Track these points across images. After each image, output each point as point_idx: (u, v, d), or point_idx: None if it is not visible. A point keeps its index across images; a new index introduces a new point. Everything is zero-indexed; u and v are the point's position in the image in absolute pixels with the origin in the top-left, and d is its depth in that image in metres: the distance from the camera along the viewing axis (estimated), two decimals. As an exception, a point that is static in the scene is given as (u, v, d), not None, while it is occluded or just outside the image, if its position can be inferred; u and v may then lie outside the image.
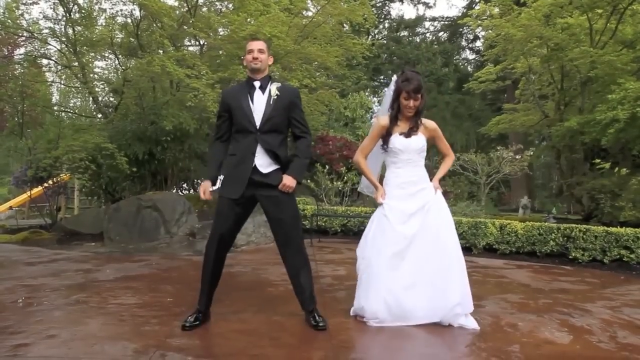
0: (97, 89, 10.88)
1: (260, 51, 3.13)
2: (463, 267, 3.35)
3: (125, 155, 8.25)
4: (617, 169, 7.94)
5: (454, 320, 3.22)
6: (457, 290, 3.23)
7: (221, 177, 3.21)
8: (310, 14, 10.77)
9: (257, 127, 3.08)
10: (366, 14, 10.77)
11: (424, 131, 3.46)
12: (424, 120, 3.49)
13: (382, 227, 3.39)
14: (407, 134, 3.41)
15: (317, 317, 3.08)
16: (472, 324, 3.23)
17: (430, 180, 3.53)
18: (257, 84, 3.15)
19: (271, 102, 3.11)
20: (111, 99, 11.25)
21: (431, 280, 3.24)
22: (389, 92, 3.57)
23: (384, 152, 3.51)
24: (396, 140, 3.41)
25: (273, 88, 3.15)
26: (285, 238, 3.13)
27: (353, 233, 8.49)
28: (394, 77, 3.52)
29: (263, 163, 3.09)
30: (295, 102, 3.22)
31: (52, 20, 9.30)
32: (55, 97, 14.51)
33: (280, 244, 3.17)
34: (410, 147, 3.40)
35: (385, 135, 3.45)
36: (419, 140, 3.42)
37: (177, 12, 9.61)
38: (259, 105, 3.11)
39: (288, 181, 3.08)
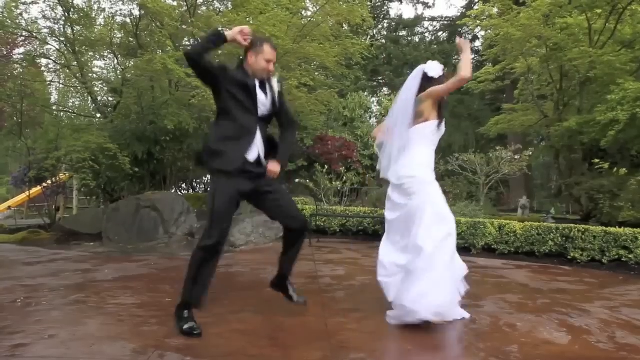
0: (96, 89, 10.89)
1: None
2: None
3: (125, 155, 8.26)
4: (615, 169, 7.94)
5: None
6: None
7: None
8: (309, 13, 10.77)
9: (259, 116, 3.08)
10: (364, 15, 10.78)
11: None
12: None
13: (439, 213, 3.27)
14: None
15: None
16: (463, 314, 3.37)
17: None
18: (257, 82, 3.11)
19: (275, 96, 3.15)
20: (110, 98, 11.26)
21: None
22: None
23: (436, 131, 3.52)
24: (442, 126, 3.55)
25: (274, 83, 3.16)
26: (290, 209, 3.17)
27: (352, 233, 8.49)
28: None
29: (262, 153, 3.10)
30: (282, 91, 3.26)
31: (51, 20, 9.31)
32: (54, 97, 14.49)
33: (287, 219, 3.15)
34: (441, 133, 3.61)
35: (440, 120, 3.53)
36: None
37: (177, 11, 9.62)
38: (261, 96, 3.10)
39: (272, 167, 3.09)
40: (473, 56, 25.50)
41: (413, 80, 3.56)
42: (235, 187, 2.97)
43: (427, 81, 3.50)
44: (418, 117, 3.47)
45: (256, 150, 3.04)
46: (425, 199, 3.28)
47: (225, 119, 3.05)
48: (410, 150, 3.46)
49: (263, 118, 3.10)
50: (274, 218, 3.33)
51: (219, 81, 3.02)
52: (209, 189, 2.99)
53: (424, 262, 3.08)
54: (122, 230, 7.22)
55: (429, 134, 3.48)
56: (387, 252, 3.45)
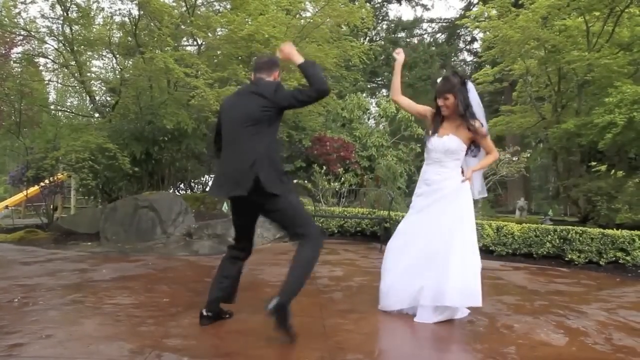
0: (94, 88, 10.87)
1: None
2: (465, 262, 3.33)
3: (124, 155, 8.25)
4: (613, 171, 7.97)
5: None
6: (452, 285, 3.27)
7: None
8: (308, 14, 10.77)
9: None
10: (364, 16, 10.77)
11: (464, 132, 3.53)
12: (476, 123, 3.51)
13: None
14: (440, 134, 3.57)
15: None
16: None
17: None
18: None
19: None
20: (108, 98, 11.24)
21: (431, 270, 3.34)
22: None
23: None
24: (428, 140, 3.62)
25: None
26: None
27: (350, 234, 8.49)
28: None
29: None
30: None
31: (50, 19, 9.29)
32: (52, 96, 14.47)
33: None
34: (437, 147, 3.55)
35: (427, 135, 3.67)
36: (448, 142, 3.52)
37: (176, 11, 9.61)
38: None
39: None
40: (471, 58, 25.68)
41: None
42: None
43: None
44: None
45: None
46: None
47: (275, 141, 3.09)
48: None
49: None
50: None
51: None
52: (289, 198, 2.99)
53: None
54: (120, 230, 7.21)
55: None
56: None
